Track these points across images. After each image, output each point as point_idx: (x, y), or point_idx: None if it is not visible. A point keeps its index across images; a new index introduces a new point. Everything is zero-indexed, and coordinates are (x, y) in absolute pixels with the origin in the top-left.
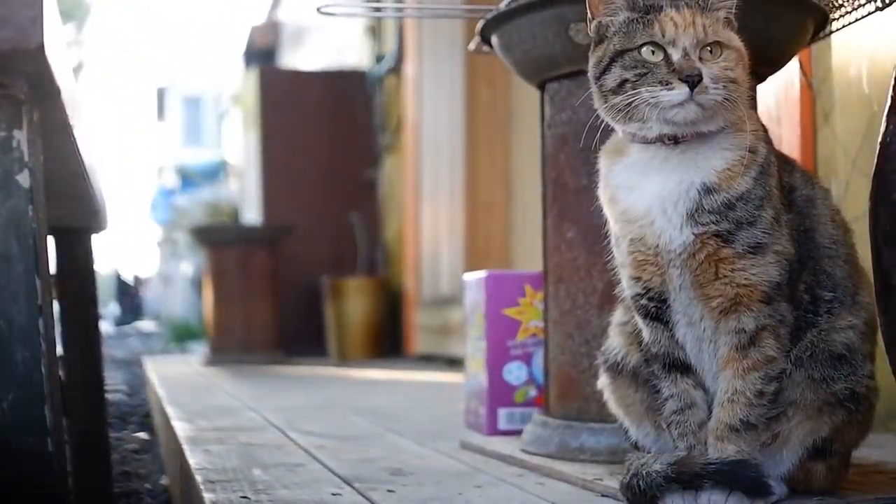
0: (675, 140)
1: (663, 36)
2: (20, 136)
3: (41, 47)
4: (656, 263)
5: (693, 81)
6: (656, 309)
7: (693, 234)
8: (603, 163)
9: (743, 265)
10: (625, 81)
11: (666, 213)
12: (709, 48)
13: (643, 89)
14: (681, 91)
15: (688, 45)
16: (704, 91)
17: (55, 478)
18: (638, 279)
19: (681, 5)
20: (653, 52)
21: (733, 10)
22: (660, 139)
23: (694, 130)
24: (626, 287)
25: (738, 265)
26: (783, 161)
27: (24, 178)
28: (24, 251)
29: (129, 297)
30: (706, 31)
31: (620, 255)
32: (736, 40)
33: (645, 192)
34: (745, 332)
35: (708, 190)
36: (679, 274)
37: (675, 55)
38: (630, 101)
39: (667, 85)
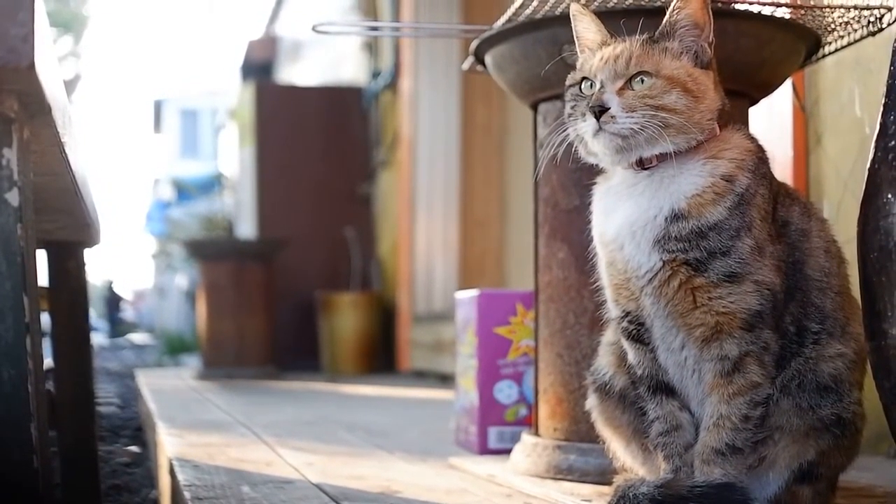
0: (642, 166)
1: (592, 70)
2: (10, 155)
3: (32, 66)
4: (629, 288)
5: (596, 112)
6: (637, 331)
7: (661, 260)
8: (596, 186)
9: (720, 293)
10: (568, 115)
11: (635, 237)
12: (639, 78)
13: (571, 122)
14: (590, 122)
15: (604, 77)
16: (611, 121)
17: (42, 495)
18: (617, 302)
19: (624, 39)
20: (591, 86)
21: (699, 41)
22: (629, 165)
23: (621, 159)
24: (610, 308)
25: (715, 293)
26: (784, 194)
27: (13, 197)
28: (12, 269)
29: (113, 311)
30: (629, 62)
31: (603, 277)
32: (670, 69)
33: (617, 217)
34: (729, 358)
35: (676, 216)
36: (652, 303)
37: (594, 88)
38: (564, 132)
39: (583, 117)
